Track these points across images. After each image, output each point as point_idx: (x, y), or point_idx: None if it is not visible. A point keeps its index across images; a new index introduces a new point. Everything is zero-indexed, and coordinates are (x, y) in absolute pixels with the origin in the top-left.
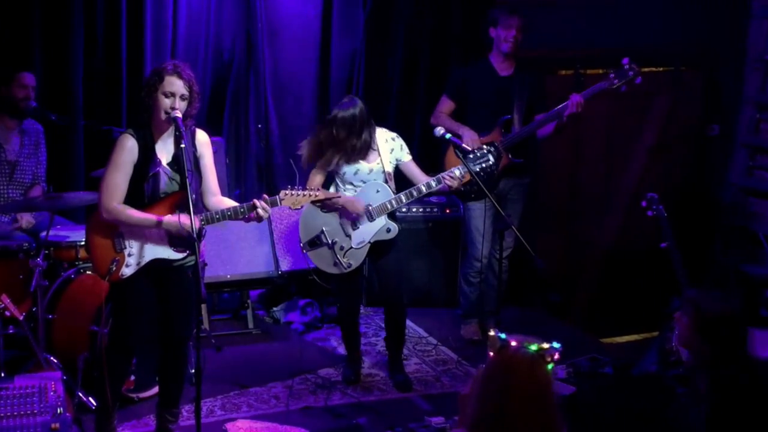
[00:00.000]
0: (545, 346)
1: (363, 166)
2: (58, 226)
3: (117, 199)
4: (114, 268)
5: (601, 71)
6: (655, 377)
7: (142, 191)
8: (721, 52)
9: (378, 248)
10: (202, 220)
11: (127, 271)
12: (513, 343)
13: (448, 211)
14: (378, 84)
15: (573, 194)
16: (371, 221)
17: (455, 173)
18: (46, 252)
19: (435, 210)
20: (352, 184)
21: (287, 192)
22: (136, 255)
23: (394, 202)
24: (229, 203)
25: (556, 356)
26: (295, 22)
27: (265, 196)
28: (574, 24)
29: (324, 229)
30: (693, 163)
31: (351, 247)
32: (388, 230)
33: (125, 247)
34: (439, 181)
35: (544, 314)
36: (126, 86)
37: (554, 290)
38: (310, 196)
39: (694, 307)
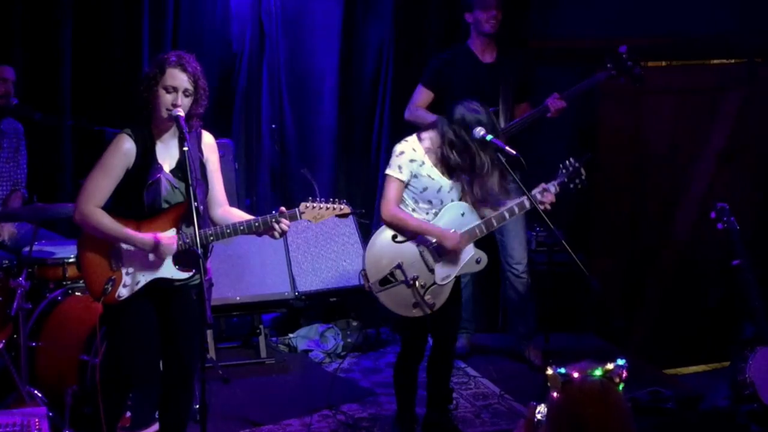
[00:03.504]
0: (610, 366)
1: (444, 180)
2: (43, 241)
3: (95, 202)
4: (110, 289)
5: (663, 63)
6: (726, 414)
7: (141, 201)
8: None
9: None
10: (210, 236)
11: (124, 292)
12: (575, 375)
13: None
14: (409, 79)
15: (632, 206)
16: None
17: (552, 190)
18: (29, 270)
19: None
20: (430, 202)
21: (308, 204)
22: (134, 273)
23: (484, 227)
24: (239, 215)
25: (624, 374)
26: (314, 8)
27: (283, 208)
28: (626, 10)
29: (401, 262)
30: None
31: (434, 284)
32: (478, 261)
33: (123, 265)
34: (532, 201)
35: (599, 341)
36: (121, 81)
37: (611, 314)
38: (335, 209)
39: None
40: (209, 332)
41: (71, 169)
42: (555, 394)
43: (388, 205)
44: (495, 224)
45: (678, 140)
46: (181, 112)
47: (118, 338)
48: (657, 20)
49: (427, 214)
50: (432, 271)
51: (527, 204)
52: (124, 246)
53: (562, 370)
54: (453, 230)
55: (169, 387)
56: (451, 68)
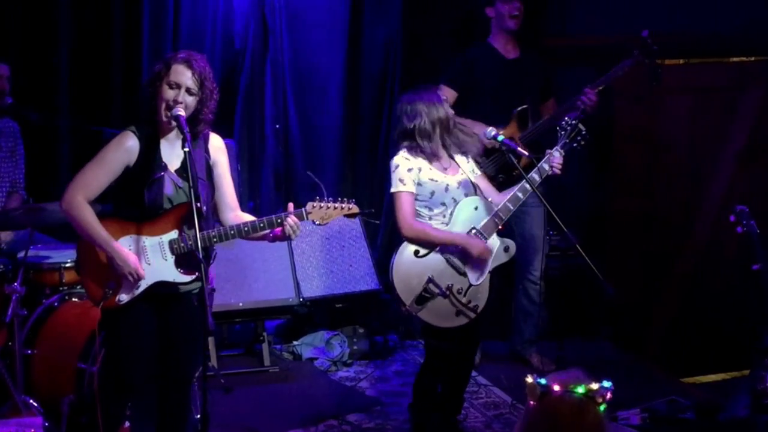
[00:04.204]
0: (594, 386)
1: (450, 179)
2: (39, 245)
3: (86, 193)
4: (110, 293)
5: (681, 61)
6: (746, 423)
7: (141, 198)
8: None
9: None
10: (213, 237)
11: (124, 297)
12: (556, 388)
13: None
14: (417, 77)
15: (648, 208)
16: None
17: (556, 155)
18: (25, 275)
19: None
20: (443, 204)
21: (315, 204)
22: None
23: (501, 214)
24: (250, 218)
25: (608, 396)
26: (320, 3)
27: (291, 204)
28: (648, 7)
29: (431, 276)
30: None
31: (471, 285)
32: (507, 249)
33: None
34: (542, 172)
35: (614, 349)
36: (120, 80)
37: (626, 320)
38: (343, 209)
39: None
40: (211, 339)
41: (68, 170)
42: (531, 403)
43: (407, 220)
44: (512, 208)
45: (696, 140)
46: (182, 111)
47: (117, 344)
48: (674, 17)
49: (444, 216)
50: (464, 274)
51: (537, 176)
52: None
53: (543, 381)
54: (472, 227)
55: (166, 396)
56: (476, 66)
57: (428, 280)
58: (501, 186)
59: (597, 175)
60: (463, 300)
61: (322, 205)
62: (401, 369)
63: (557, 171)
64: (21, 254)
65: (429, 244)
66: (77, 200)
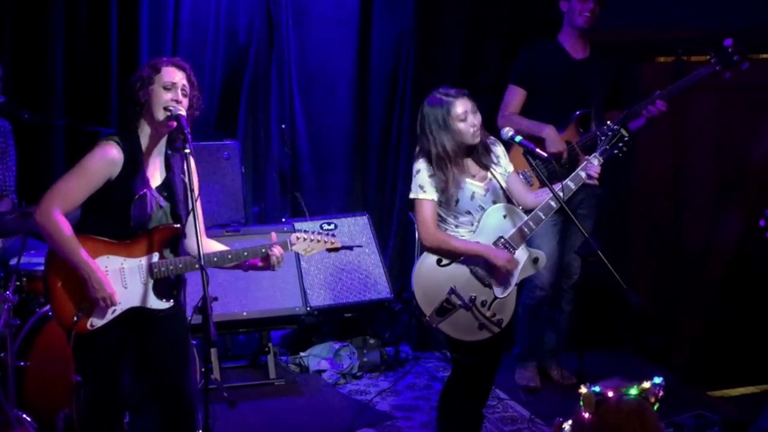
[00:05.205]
0: (646, 385)
1: (477, 186)
2: (32, 251)
3: (63, 206)
4: (81, 316)
5: (707, 58)
6: None
7: (127, 216)
8: None
9: None
10: (196, 264)
11: (97, 322)
12: (610, 394)
13: None
14: (432, 74)
15: (675, 212)
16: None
17: (594, 162)
18: (18, 283)
19: None
20: (469, 213)
21: (300, 235)
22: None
23: (531, 223)
24: (218, 247)
25: (661, 393)
26: None
27: (274, 234)
28: (672, 1)
29: (453, 286)
30: None
31: (496, 298)
32: (536, 260)
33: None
34: (576, 181)
35: (638, 360)
36: (116, 78)
37: (651, 331)
38: (326, 243)
39: None
40: (213, 351)
41: (62, 172)
42: (587, 414)
43: (427, 230)
44: (543, 217)
45: (724, 140)
46: (183, 111)
47: (92, 373)
48: (704, 12)
49: (472, 224)
50: (489, 286)
51: (572, 185)
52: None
53: (597, 389)
54: (500, 237)
55: (164, 411)
56: (541, 64)
57: (450, 290)
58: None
59: (619, 176)
60: (487, 313)
61: (306, 237)
62: (414, 382)
63: (593, 181)
64: (13, 261)
65: (451, 255)
66: (53, 212)
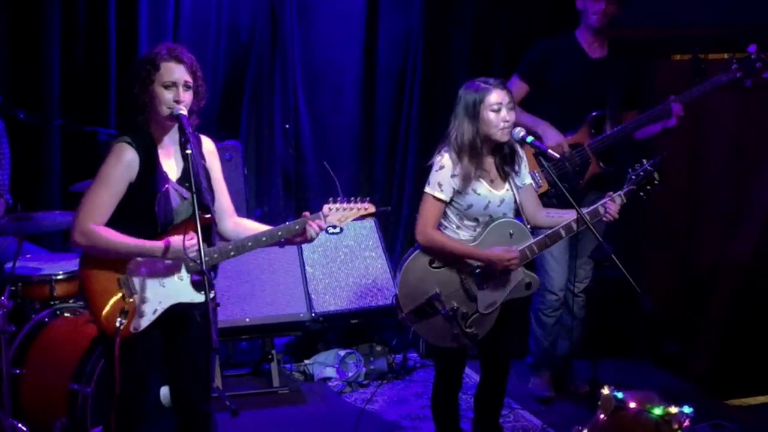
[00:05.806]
0: (673, 410)
1: (493, 194)
2: (28, 256)
3: (96, 220)
4: (124, 322)
5: (726, 56)
6: None
7: (154, 216)
8: None
9: None
10: (231, 251)
11: (141, 323)
12: (632, 405)
13: None
14: (440, 73)
15: (692, 214)
16: None
17: (617, 201)
18: (13, 289)
19: None
20: (476, 220)
21: (331, 206)
22: (151, 300)
23: (536, 247)
24: (252, 226)
25: (686, 424)
26: None
27: (306, 213)
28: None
29: (439, 290)
30: None
31: (477, 312)
32: (528, 285)
33: (135, 292)
34: (593, 214)
35: (654, 368)
36: (115, 76)
37: (667, 337)
38: (359, 209)
39: None
40: (215, 358)
41: (59, 174)
42: (602, 416)
43: (425, 228)
44: (549, 243)
45: (742, 141)
46: (184, 110)
47: (132, 374)
48: (719, 8)
49: (475, 231)
50: (474, 299)
51: (588, 217)
52: (134, 274)
53: (620, 395)
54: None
55: (185, 425)
56: (553, 60)
57: (435, 295)
58: (559, 198)
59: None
60: (464, 325)
61: (338, 206)
62: (422, 390)
63: (609, 219)
64: (8, 266)
65: (443, 258)
66: (90, 228)
